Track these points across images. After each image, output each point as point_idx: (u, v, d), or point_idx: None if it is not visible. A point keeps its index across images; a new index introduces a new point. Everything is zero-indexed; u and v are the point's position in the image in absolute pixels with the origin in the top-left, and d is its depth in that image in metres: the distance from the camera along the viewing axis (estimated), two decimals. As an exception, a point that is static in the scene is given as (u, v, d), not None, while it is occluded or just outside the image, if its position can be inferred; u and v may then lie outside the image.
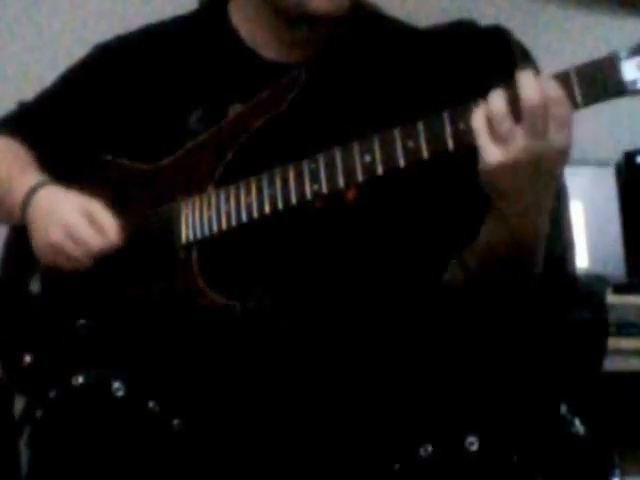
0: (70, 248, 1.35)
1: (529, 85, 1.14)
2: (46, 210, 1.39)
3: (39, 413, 1.28)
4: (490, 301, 1.34)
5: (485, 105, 1.17)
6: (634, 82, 1.14)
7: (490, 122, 1.16)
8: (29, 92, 1.59)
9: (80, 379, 1.24)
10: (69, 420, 1.24)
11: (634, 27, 3.05)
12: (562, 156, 1.17)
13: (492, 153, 1.16)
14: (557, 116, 1.14)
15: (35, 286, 1.47)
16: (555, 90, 1.15)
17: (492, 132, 1.16)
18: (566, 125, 1.15)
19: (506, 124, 1.15)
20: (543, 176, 1.19)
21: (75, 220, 1.36)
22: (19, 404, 1.43)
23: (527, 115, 1.14)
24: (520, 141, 1.14)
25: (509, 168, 1.16)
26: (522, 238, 1.26)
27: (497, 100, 1.16)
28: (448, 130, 1.20)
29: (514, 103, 1.15)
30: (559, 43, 2.89)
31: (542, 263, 1.33)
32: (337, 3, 1.33)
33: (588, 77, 1.15)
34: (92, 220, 1.35)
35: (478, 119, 1.17)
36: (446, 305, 1.35)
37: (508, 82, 1.16)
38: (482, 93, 1.18)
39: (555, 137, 1.15)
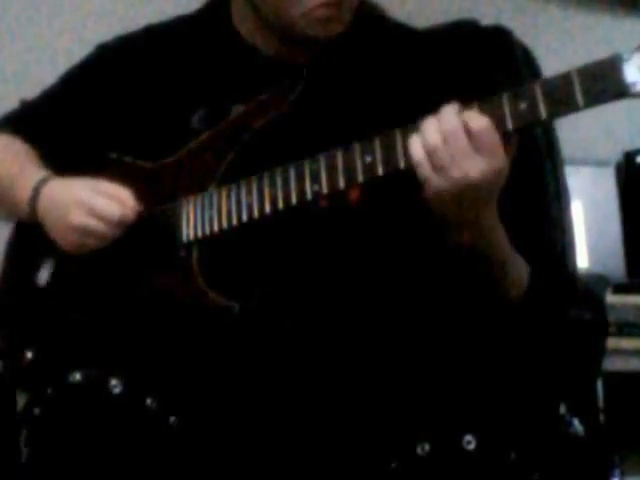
0: (92, 223, 1.35)
1: (429, 127, 1.18)
2: (57, 198, 1.40)
3: (37, 410, 1.28)
4: (488, 302, 1.34)
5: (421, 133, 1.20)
6: (636, 84, 1.14)
7: (428, 153, 1.19)
8: (29, 92, 1.59)
9: (77, 376, 1.24)
10: (67, 417, 1.24)
11: (634, 27, 3.06)
12: (488, 180, 1.19)
13: (434, 182, 1.19)
14: (457, 150, 1.17)
15: (41, 280, 1.47)
16: (451, 123, 1.17)
17: (431, 162, 1.19)
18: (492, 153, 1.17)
19: (442, 154, 1.17)
20: (475, 204, 1.22)
21: (89, 195, 1.36)
22: (21, 402, 1.43)
23: (432, 156, 1.18)
24: (455, 169, 1.17)
25: (447, 195, 1.19)
26: (475, 251, 1.28)
27: (431, 130, 1.19)
28: None
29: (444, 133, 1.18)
30: (559, 43, 2.89)
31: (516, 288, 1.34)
32: (333, 28, 1.34)
33: (590, 78, 1.14)
34: (105, 193, 1.36)
35: (415, 146, 1.20)
36: (445, 305, 1.35)
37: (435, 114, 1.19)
38: (484, 93, 1.18)
39: (483, 164, 1.17)
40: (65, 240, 1.39)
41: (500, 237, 1.30)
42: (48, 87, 1.56)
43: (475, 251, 1.28)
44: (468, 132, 1.16)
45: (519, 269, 1.34)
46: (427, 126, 1.18)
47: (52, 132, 1.52)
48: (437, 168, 1.18)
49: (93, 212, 1.35)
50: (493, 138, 1.16)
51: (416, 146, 1.19)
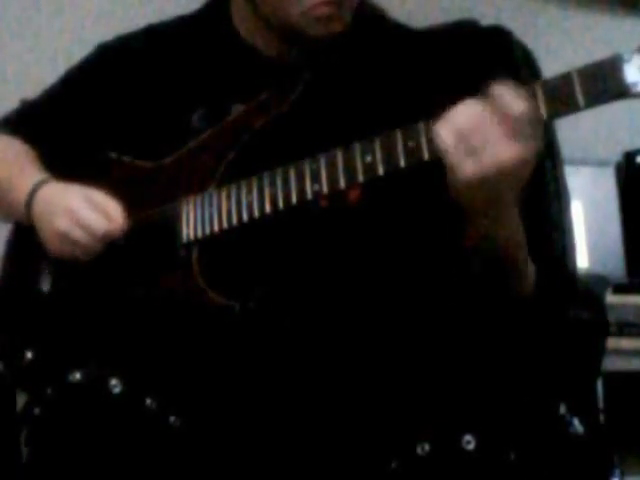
0: (77, 234, 1.36)
1: (462, 110, 1.15)
2: (50, 203, 1.40)
3: (37, 410, 1.28)
4: (490, 301, 1.34)
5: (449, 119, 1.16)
6: (637, 84, 1.13)
7: (459, 138, 1.15)
8: (29, 92, 1.59)
9: (77, 376, 1.24)
10: (67, 417, 1.24)
11: (634, 27, 3.06)
12: (523, 169, 1.16)
13: (463, 167, 1.15)
14: (489, 135, 1.14)
15: (44, 284, 1.47)
16: (516, 102, 1.13)
17: (460, 147, 1.15)
18: (528, 137, 1.14)
19: (472, 139, 1.14)
20: (502, 191, 1.19)
21: (79, 206, 1.37)
22: (21, 402, 1.43)
23: (464, 139, 1.14)
24: (487, 154, 1.14)
25: (476, 182, 1.16)
26: (495, 246, 1.27)
27: (463, 114, 1.16)
28: None
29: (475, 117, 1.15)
30: (559, 43, 2.90)
31: (530, 285, 1.33)
32: (333, 27, 1.34)
33: (590, 79, 1.14)
34: (96, 206, 1.36)
35: (443, 132, 1.16)
36: (444, 305, 1.35)
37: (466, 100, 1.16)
38: (482, 93, 1.18)
39: (490, 154, 1.14)
40: (52, 245, 1.40)
41: (520, 229, 1.29)
42: (48, 87, 1.56)
43: (495, 244, 1.26)
44: (505, 116, 1.14)
45: (530, 265, 1.34)
46: (458, 111, 1.16)
47: (52, 132, 1.52)
48: (468, 153, 1.15)
49: (79, 223, 1.35)
50: (529, 123, 1.14)
51: (445, 132, 1.16)
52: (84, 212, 1.36)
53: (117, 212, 1.36)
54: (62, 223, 1.36)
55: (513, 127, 1.13)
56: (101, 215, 1.36)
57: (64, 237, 1.37)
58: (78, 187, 1.40)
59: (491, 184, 1.16)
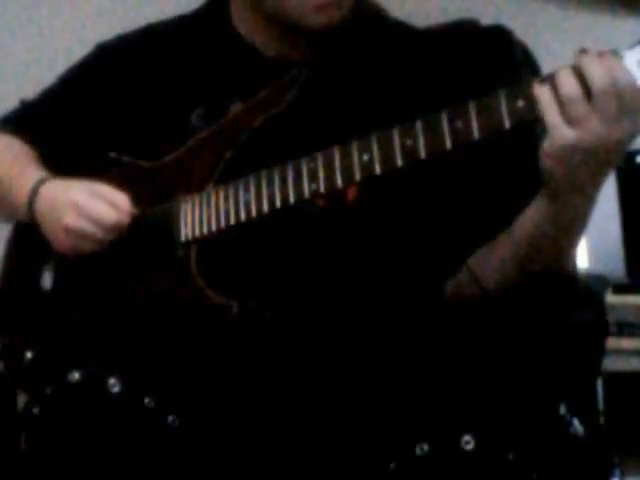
0: (86, 227, 1.35)
1: (599, 68, 1.12)
2: (54, 200, 1.40)
3: (36, 410, 1.28)
4: (503, 311, 1.34)
5: (551, 83, 1.14)
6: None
7: (562, 104, 1.13)
8: (29, 92, 1.59)
9: (76, 375, 1.24)
10: (66, 416, 1.24)
11: (634, 27, 3.05)
12: (624, 146, 1.15)
13: (565, 135, 1.13)
14: (630, 102, 1.12)
15: (45, 282, 1.47)
16: (626, 75, 1.12)
17: (564, 114, 1.13)
18: (638, 112, 1.13)
19: (581, 106, 1.12)
20: (602, 166, 1.17)
21: (85, 199, 1.36)
22: (21, 402, 1.43)
23: (600, 99, 1.12)
24: (594, 124, 1.12)
25: (578, 152, 1.14)
26: (565, 228, 1.25)
27: (569, 81, 1.13)
28: (446, 129, 1.20)
29: (582, 83, 1.13)
30: (559, 43, 2.89)
31: (575, 263, 1.32)
32: (332, 16, 1.34)
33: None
34: (102, 197, 1.36)
35: (547, 100, 1.14)
36: (443, 306, 1.35)
37: (573, 65, 1.14)
38: (483, 93, 1.18)
39: (627, 124, 1.13)
40: (59, 242, 1.39)
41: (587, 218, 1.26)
42: (48, 87, 1.56)
43: (569, 210, 1.22)
44: (618, 93, 1.12)
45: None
46: (598, 72, 1.13)
47: (52, 132, 1.52)
48: (572, 121, 1.13)
49: (88, 216, 1.35)
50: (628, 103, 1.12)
51: (547, 95, 1.14)
52: (91, 204, 1.36)
53: (124, 201, 1.36)
54: (70, 218, 1.36)
55: (623, 101, 1.12)
56: (109, 205, 1.36)
57: (74, 232, 1.36)
58: (80, 182, 1.40)
59: (583, 155, 1.14)
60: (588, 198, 1.21)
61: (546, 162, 1.17)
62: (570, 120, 1.13)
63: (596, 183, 1.20)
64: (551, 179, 1.19)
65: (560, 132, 1.14)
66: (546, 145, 1.16)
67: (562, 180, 1.18)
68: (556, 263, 1.30)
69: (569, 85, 1.13)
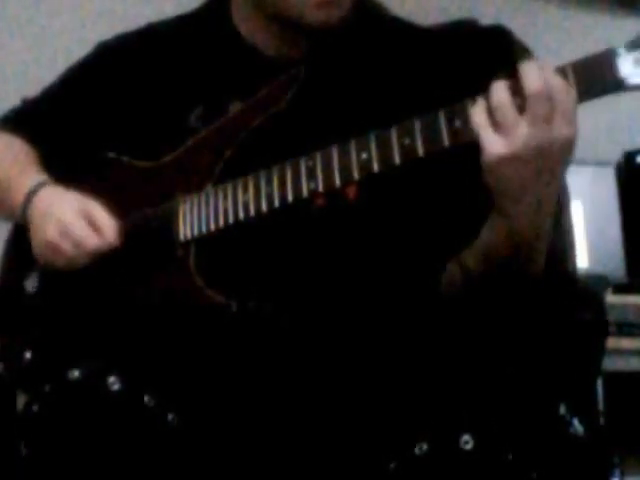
0: (65, 247, 1.36)
1: (532, 73, 1.14)
2: (44, 210, 1.40)
3: (35, 408, 1.28)
4: (488, 302, 1.34)
5: (486, 96, 1.16)
6: (630, 77, 1.14)
7: (492, 113, 1.15)
8: (29, 92, 1.59)
9: (76, 373, 1.24)
10: (65, 414, 1.24)
11: (634, 27, 3.04)
12: (566, 151, 1.16)
13: (495, 144, 1.14)
14: (562, 106, 1.13)
15: (31, 284, 1.47)
16: (558, 79, 1.14)
17: (494, 123, 1.15)
18: (571, 117, 1.14)
19: (509, 114, 1.14)
20: (545, 173, 1.17)
21: (72, 219, 1.36)
22: (21, 402, 1.43)
23: (531, 103, 1.13)
24: (524, 131, 1.13)
25: (512, 160, 1.14)
26: (522, 240, 1.26)
27: (500, 90, 1.15)
28: (444, 128, 1.20)
29: (516, 93, 1.14)
30: (559, 43, 2.89)
31: (543, 265, 1.33)
32: (331, 15, 1.34)
33: (584, 72, 1.15)
34: (90, 220, 1.36)
35: (478, 112, 1.16)
36: (442, 305, 1.35)
37: (509, 73, 1.16)
38: (483, 92, 1.18)
39: (559, 128, 1.13)
40: (37, 250, 1.40)
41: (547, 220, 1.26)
42: (48, 86, 1.56)
43: (525, 222, 1.23)
44: (549, 97, 1.13)
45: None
46: (530, 77, 1.14)
47: (51, 131, 1.52)
48: (498, 130, 1.14)
49: (69, 236, 1.36)
50: (572, 103, 1.14)
51: (478, 109, 1.16)
52: (76, 225, 1.36)
53: (110, 228, 1.36)
54: (52, 233, 1.37)
55: (555, 106, 1.13)
56: (93, 231, 1.36)
57: (52, 247, 1.37)
58: (75, 196, 1.40)
59: (520, 167, 1.15)
60: (538, 205, 1.21)
61: (485, 178, 1.18)
62: (500, 128, 1.14)
63: (542, 188, 1.20)
64: (495, 194, 1.20)
65: (491, 143, 1.14)
66: (482, 161, 1.16)
67: (504, 193, 1.19)
68: (518, 271, 1.30)
69: (499, 92, 1.15)
